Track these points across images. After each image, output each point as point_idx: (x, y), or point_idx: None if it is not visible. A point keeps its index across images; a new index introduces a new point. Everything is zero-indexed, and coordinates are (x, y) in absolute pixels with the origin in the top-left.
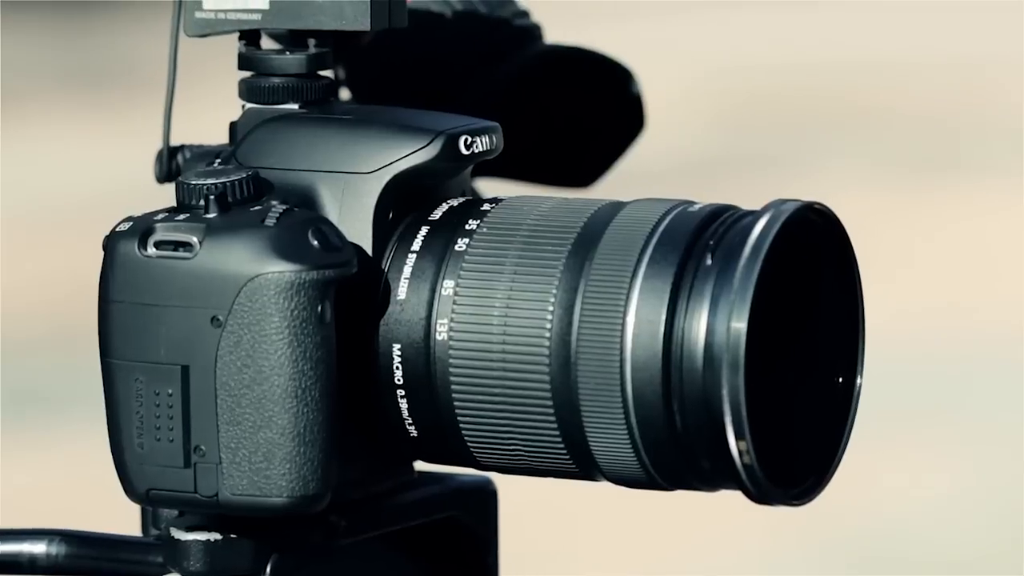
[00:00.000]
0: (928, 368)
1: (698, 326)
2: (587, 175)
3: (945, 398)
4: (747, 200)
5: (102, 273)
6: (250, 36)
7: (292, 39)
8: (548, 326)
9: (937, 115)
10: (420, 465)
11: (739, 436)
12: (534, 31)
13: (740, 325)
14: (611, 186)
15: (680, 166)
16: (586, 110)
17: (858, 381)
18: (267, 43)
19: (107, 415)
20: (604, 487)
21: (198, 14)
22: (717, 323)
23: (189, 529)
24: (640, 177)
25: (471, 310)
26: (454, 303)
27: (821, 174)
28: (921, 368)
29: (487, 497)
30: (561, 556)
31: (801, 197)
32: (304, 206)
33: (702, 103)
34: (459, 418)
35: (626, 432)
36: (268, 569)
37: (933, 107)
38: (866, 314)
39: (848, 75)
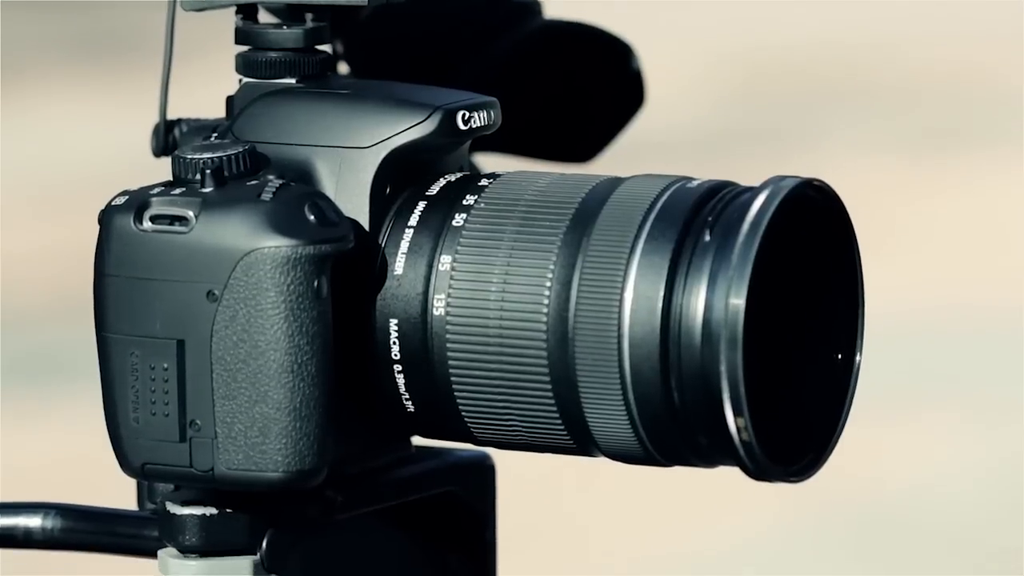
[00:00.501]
0: (931, 343)
1: (696, 302)
2: (586, 150)
3: (949, 373)
4: (754, 175)
5: (98, 247)
6: (247, 10)
7: (289, 13)
8: (546, 302)
9: (943, 90)
10: (418, 440)
11: (737, 413)
12: (533, 6)
13: (738, 301)
14: (612, 161)
15: (684, 141)
16: (585, 85)
17: (857, 358)
18: (264, 17)
19: (103, 389)
20: (601, 463)
21: None
22: (715, 299)
23: (185, 503)
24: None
25: (468, 285)
26: (451, 278)
27: (827, 149)
28: (923, 343)
29: (485, 472)
30: (559, 531)
31: (808, 172)
32: (301, 181)
33: (707, 78)
34: (456, 393)
35: (623, 408)
36: (264, 544)
37: (939, 82)
38: (866, 290)
39: (855, 51)
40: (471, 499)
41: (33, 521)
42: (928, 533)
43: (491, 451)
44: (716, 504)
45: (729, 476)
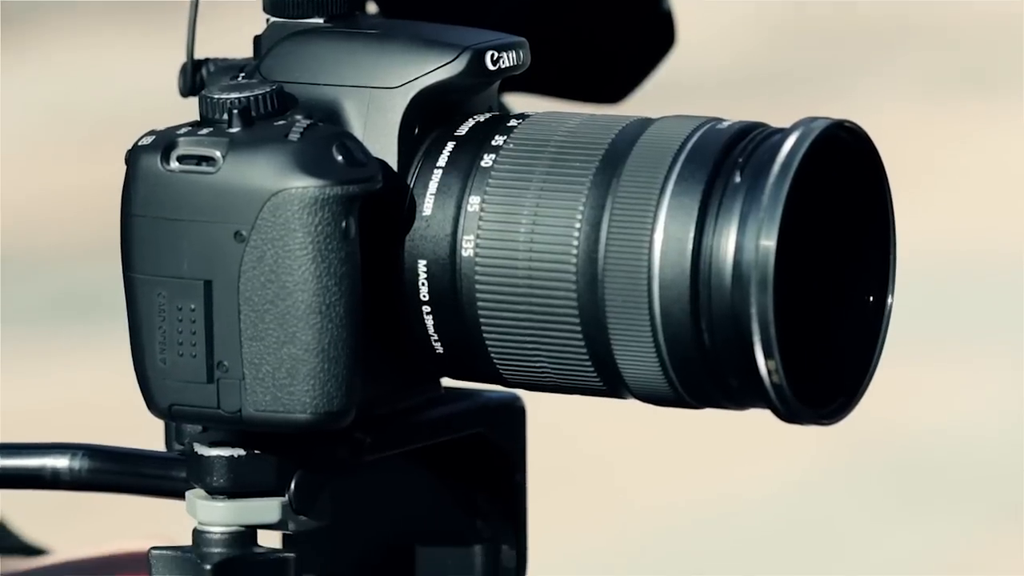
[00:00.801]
0: (965, 286)
1: (727, 244)
2: (616, 91)
3: (983, 316)
4: (785, 117)
5: (124, 187)
6: None
7: None
8: (575, 243)
9: (980, 34)
10: (447, 382)
11: (768, 355)
12: None
13: (769, 243)
14: (641, 102)
15: (715, 83)
16: (615, 25)
17: (889, 300)
18: None
19: (130, 330)
20: (632, 405)
21: None
22: (746, 241)
23: (212, 445)
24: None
25: (497, 226)
26: (480, 219)
27: (861, 92)
28: (957, 286)
29: (515, 414)
30: (592, 474)
31: (840, 115)
32: (328, 121)
33: (738, 20)
34: (485, 335)
35: (654, 350)
36: (292, 486)
37: (976, 25)
38: (897, 232)
39: None
40: (501, 441)
41: (60, 462)
42: (959, 475)
43: (521, 393)
44: (749, 448)
45: (762, 419)
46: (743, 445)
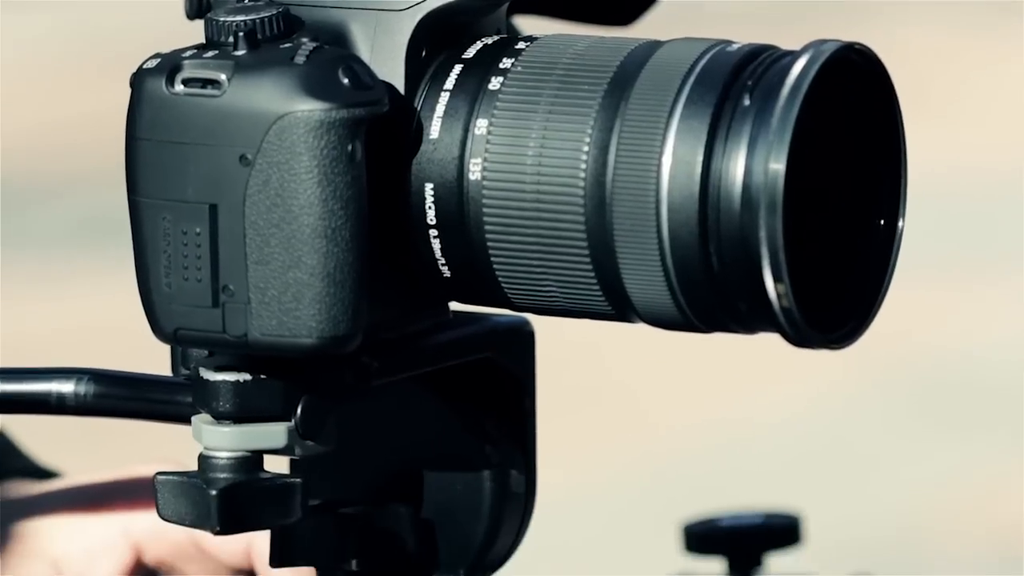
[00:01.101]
0: (977, 209)
1: (736, 167)
2: (625, 14)
3: (996, 238)
4: (796, 41)
5: (129, 110)
6: None
7: None
8: (583, 166)
9: None
10: (456, 306)
11: (777, 279)
12: None
13: (778, 166)
14: (651, 26)
15: (725, 6)
16: None
17: (900, 224)
18: None
19: (135, 254)
20: (641, 329)
21: None
22: (755, 164)
23: (218, 369)
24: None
25: (505, 149)
26: (487, 142)
27: (873, 17)
28: (969, 209)
29: (524, 338)
30: (599, 398)
31: (852, 38)
32: (335, 44)
33: None
34: (492, 258)
35: (662, 273)
36: (299, 410)
37: None
38: (908, 156)
39: None
40: (510, 365)
41: (66, 387)
42: (984, 396)
43: (531, 317)
44: (771, 370)
45: (781, 342)
46: (764, 367)
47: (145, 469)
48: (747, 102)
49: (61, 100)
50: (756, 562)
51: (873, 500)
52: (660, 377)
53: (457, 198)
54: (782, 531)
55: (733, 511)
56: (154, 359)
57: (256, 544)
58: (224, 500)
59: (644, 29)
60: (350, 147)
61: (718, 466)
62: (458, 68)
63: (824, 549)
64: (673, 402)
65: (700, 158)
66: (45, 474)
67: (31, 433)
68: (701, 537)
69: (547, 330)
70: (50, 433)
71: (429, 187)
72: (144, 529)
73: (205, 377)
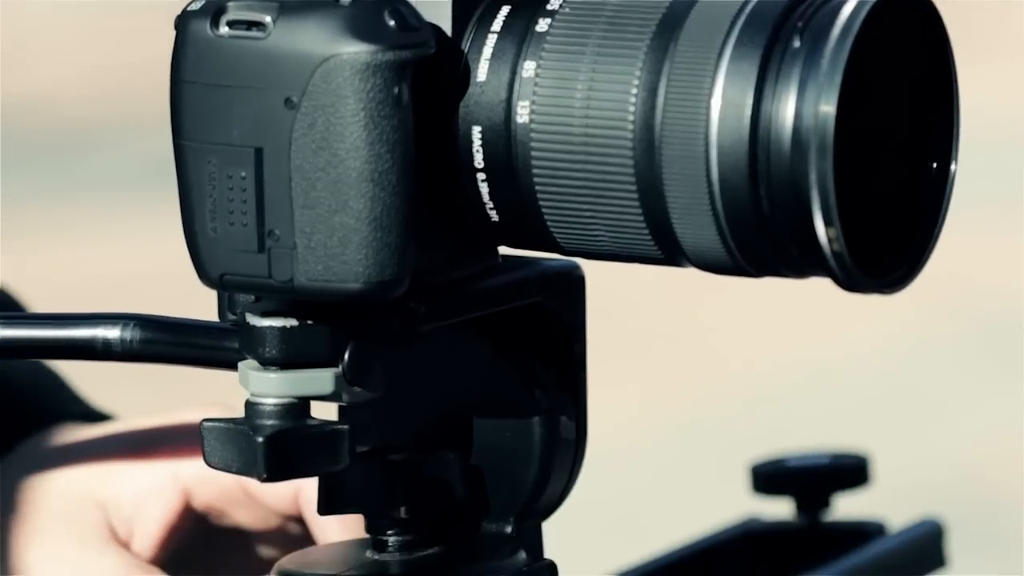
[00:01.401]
0: None
1: (785, 109)
2: None
3: None
4: None
5: (174, 53)
6: None
7: None
8: (632, 109)
9: None
10: (506, 251)
11: (828, 222)
12: None
13: (829, 109)
14: None
15: None
16: None
17: (953, 167)
18: None
19: (180, 199)
20: (691, 273)
21: None
22: (805, 107)
23: (265, 315)
24: None
25: (553, 92)
26: (535, 85)
27: None
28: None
29: (574, 282)
30: (670, 339)
31: None
32: None
33: None
34: (540, 202)
35: (711, 217)
36: (346, 356)
37: None
38: (961, 98)
39: None
40: (559, 310)
41: (112, 332)
42: None
43: (581, 262)
44: (818, 309)
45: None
46: (832, 309)
47: (195, 414)
48: (797, 44)
49: (120, 45)
50: (824, 503)
51: (941, 442)
52: (729, 319)
53: (505, 141)
54: (850, 472)
55: (801, 451)
56: (200, 304)
57: (305, 490)
58: (271, 447)
59: None
60: (396, 90)
61: (786, 407)
62: (505, 10)
63: (891, 490)
64: (742, 344)
65: (750, 100)
66: (99, 417)
67: (86, 376)
68: (769, 477)
69: (616, 271)
70: (103, 376)
71: (476, 130)
72: (193, 474)
73: (251, 323)
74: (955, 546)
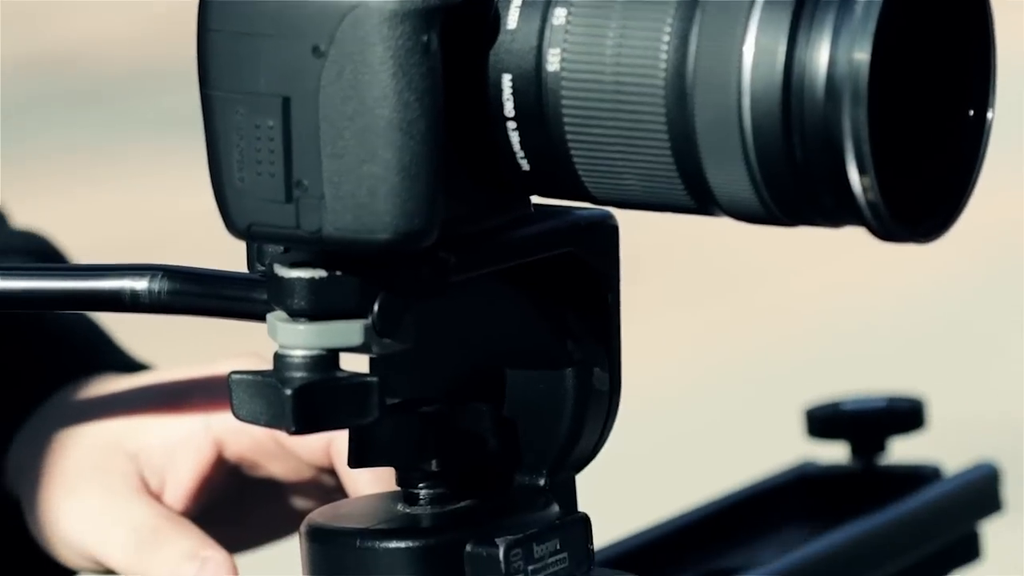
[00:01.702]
0: None
1: (819, 57)
2: None
3: None
4: None
5: (201, 2)
6: None
7: None
8: (663, 56)
9: None
10: (538, 200)
11: (862, 171)
12: None
13: (863, 56)
14: None
15: None
16: None
17: (989, 114)
18: None
19: (207, 149)
20: (724, 222)
21: None
22: (839, 54)
23: (293, 266)
24: None
25: (583, 39)
26: (566, 32)
27: None
28: None
29: (608, 232)
30: (725, 285)
31: None
32: None
33: None
34: (572, 151)
35: (744, 165)
36: (376, 307)
37: None
38: (997, 45)
39: None
40: (593, 260)
41: (139, 284)
42: None
43: (614, 211)
44: (890, 258)
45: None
46: (887, 254)
47: (229, 365)
48: None
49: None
50: (879, 446)
51: (997, 386)
52: (784, 264)
53: (536, 89)
54: (905, 415)
55: (857, 395)
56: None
57: (336, 442)
58: (299, 399)
59: None
60: (425, 38)
61: (842, 351)
62: None
63: (947, 434)
64: (797, 288)
65: (783, 48)
66: (139, 367)
67: (124, 328)
68: (824, 421)
69: (669, 219)
70: (139, 328)
71: (507, 78)
72: (225, 425)
73: (280, 274)
74: (1010, 490)
